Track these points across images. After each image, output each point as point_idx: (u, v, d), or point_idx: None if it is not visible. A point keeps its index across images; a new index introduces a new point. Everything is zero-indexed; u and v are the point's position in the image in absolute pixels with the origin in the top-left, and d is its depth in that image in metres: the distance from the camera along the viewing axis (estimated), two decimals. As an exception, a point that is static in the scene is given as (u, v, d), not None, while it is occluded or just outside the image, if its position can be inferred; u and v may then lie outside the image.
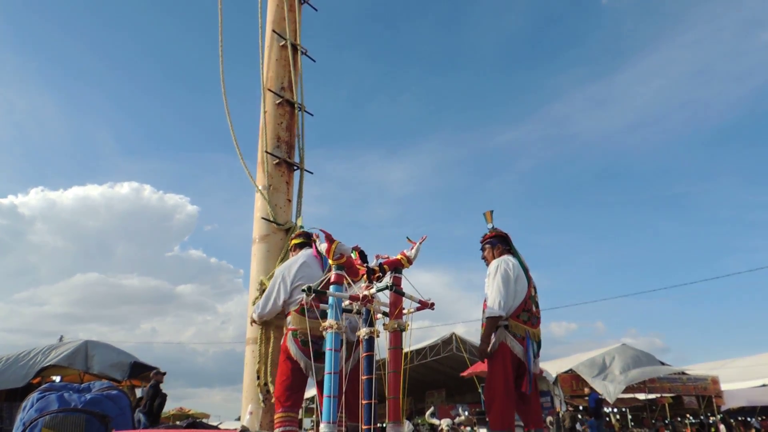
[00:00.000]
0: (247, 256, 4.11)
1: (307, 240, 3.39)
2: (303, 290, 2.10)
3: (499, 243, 3.39)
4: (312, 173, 4.51)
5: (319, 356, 2.89)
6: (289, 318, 3.08)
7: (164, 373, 9.07)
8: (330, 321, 2.24)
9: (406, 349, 2.29)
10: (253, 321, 3.42)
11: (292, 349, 2.99)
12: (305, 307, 2.24)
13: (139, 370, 9.82)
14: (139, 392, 9.85)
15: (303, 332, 2.94)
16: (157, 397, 8.47)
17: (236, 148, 4.24)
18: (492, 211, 3.49)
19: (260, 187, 4.24)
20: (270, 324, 3.59)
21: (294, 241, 3.48)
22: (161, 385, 8.73)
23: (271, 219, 4.07)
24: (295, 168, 4.45)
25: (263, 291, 3.57)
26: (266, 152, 4.28)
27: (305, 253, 3.27)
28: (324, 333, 2.20)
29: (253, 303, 3.64)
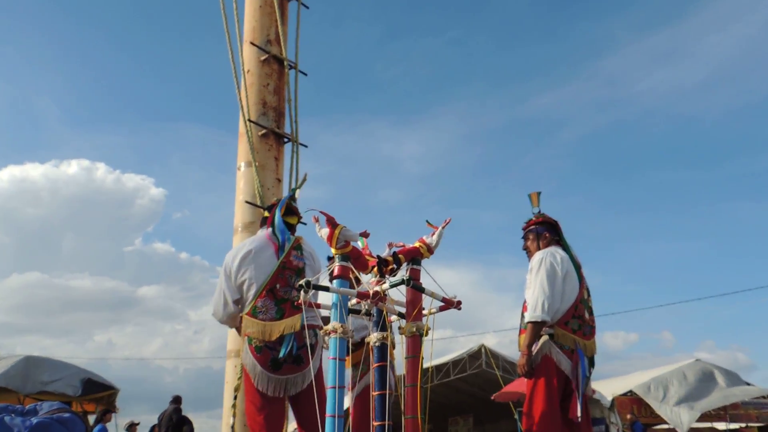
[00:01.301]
0: (228, 250, 4.18)
1: (276, 215, 3.22)
2: (300, 285, 2.14)
3: (546, 231, 3.41)
4: (306, 146, 4.56)
5: (278, 366, 2.89)
6: (242, 322, 3.07)
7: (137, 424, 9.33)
8: (334, 324, 2.29)
9: (426, 363, 2.33)
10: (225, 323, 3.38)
11: (246, 359, 2.98)
12: (302, 306, 2.27)
13: (94, 389, 9.90)
14: (92, 419, 9.96)
15: (257, 337, 2.93)
16: (185, 425, 8.66)
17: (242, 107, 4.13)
18: (539, 193, 3.51)
19: (242, 164, 4.28)
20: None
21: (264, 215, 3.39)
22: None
23: (257, 203, 4.12)
24: (286, 140, 4.49)
25: None
26: (249, 121, 4.32)
27: (257, 237, 3.20)
28: (326, 339, 2.23)
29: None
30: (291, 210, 3.29)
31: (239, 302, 3.09)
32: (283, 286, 2.93)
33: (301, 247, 3.11)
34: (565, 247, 3.40)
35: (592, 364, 3.23)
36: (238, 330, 3.19)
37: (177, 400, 9.25)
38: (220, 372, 3.91)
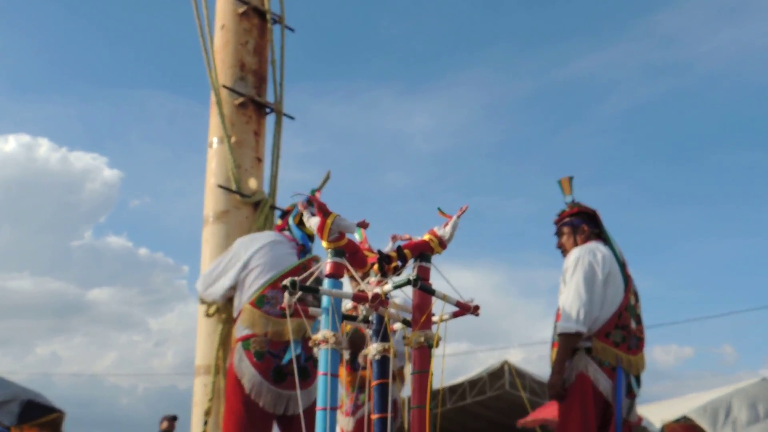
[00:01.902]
0: (196, 245, 4.22)
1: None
2: (284, 285, 2.15)
3: (583, 223, 3.42)
4: (293, 119, 4.56)
5: (282, 377, 2.92)
6: (238, 321, 3.10)
7: (175, 418, 9.46)
8: (324, 332, 2.25)
9: (437, 382, 2.31)
10: (203, 301, 3.58)
11: (242, 368, 3.01)
12: (287, 312, 2.28)
13: (35, 413, 9.97)
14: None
15: (259, 339, 2.96)
16: None
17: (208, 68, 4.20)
18: (571, 178, 3.51)
19: (215, 141, 4.27)
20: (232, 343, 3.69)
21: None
22: None
23: (233, 188, 4.12)
24: (268, 111, 4.50)
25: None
26: (223, 87, 4.32)
27: (272, 233, 3.38)
28: (316, 349, 2.21)
29: (208, 315, 3.75)
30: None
31: (229, 291, 3.25)
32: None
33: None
34: (608, 242, 3.39)
35: (638, 383, 3.22)
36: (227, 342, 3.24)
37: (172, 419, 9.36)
38: (187, 392, 4.01)
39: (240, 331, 3.15)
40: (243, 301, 3.18)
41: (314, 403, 2.88)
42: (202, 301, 3.58)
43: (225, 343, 3.72)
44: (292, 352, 2.86)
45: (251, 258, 3.25)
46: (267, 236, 3.36)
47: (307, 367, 2.87)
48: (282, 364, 2.94)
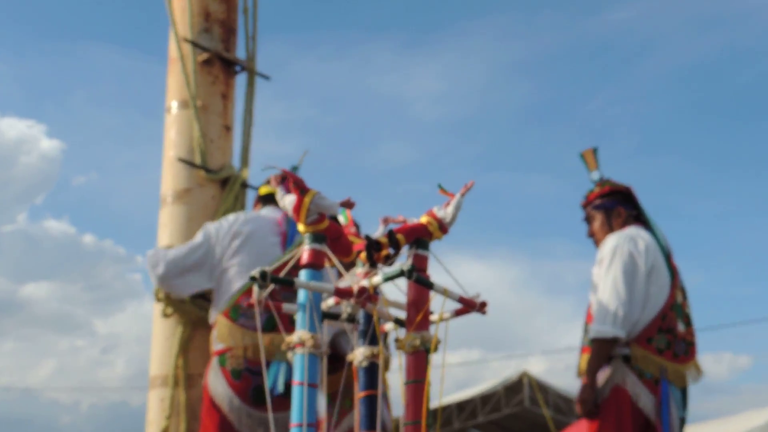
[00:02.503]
0: (152, 231, 4.27)
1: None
2: (252, 278, 2.17)
3: (619, 205, 3.42)
4: (269, 78, 4.56)
5: (263, 398, 3.02)
6: (213, 331, 3.19)
7: None
8: (300, 333, 2.24)
9: (438, 394, 2.31)
10: (161, 293, 3.62)
11: (217, 388, 3.10)
12: (257, 309, 2.30)
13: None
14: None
15: (236, 355, 3.03)
16: None
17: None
18: (596, 150, 3.51)
19: (174, 105, 4.27)
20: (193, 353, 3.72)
21: (262, 190, 3.57)
22: None
23: (197, 162, 4.15)
24: (239, 69, 4.50)
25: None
26: (186, 41, 4.30)
27: (255, 216, 3.39)
28: (289, 354, 2.19)
29: (165, 315, 3.78)
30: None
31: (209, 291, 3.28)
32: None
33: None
34: (651, 228, 3.40)
35: (684, 400, 3.25)
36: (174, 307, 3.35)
37: None
38: (139, 409, 4.09)
39: (215, 344, 3.19)
40: (217, 310, 3.20)
41: None
42: (159, 294, 3.58)
43: (185, 349, 3.74)
44: (275, 376, 2.88)
45: (224, 253, 3.26)
46: (241, 222, 3.35)
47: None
48: (262, 386, 2.96)
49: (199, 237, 3.44)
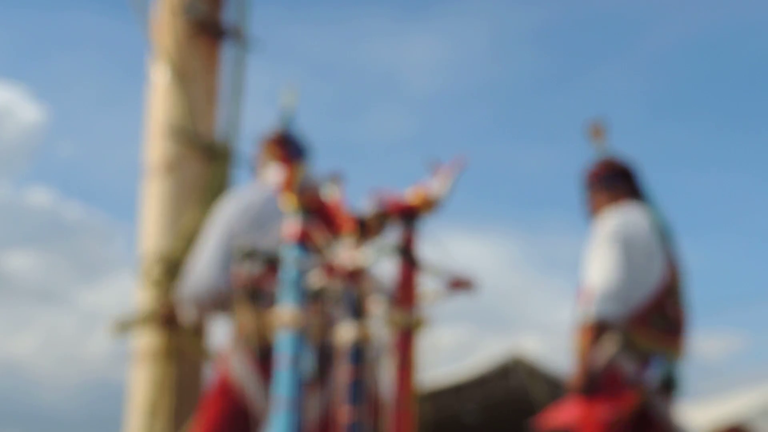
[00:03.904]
0: (135, 205, 4.18)
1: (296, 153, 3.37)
2: (240, 253, 2.20)
3: (617, 183, 3.47)
4: (260, 48, 4.53)
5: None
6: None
7: None
8: (287, 310, 2.31)
9: (429, 376, 2.36)
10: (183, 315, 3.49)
11: (240, 371, 3.09)
12: (246, 289, 2.34)
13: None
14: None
15: (259, 336, 3.01)
16: None
17: None
18: (601, 122, 3.53)
19: (158, 74, 4.25)
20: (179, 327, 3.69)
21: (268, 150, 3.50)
22: None
23: (183, 133, 4.09)
24: (228, 34, 4.45)
25: (169, 277, 3.72)
26: (171, 4, 4.29)
27: (260, 186, 3.36)
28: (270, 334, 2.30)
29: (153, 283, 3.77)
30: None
31: (226, 286, 3.18)
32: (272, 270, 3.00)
33: None
34: (649, 206, 3.43)
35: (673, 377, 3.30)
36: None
37: None
38: (121, 385, 4.03)
39: (238, 324, 3.14)
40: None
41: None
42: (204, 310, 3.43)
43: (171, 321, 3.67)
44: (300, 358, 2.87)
45: (235, 229, 3.16)
46: (248, 198, 3.27)
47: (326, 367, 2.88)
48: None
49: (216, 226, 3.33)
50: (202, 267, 3.27)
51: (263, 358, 2.97)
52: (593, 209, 3.49)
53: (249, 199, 3.35)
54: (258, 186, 3.50)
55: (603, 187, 3.47)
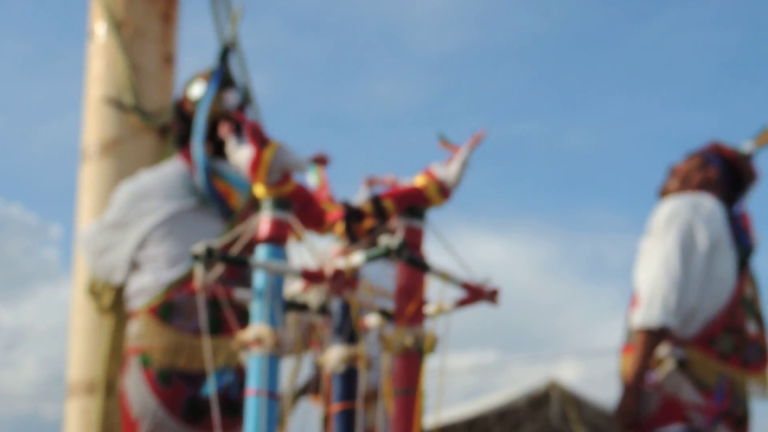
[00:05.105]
0: (71, 194, 4.02)
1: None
2: (195, 257, 1.97)
3: (716, 166, 3.22)
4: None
5: (198, 414, 2.88)
6: (134, 326, 3.05)
7: None
8: (258, 329, 2.09)
9: (432, 416, 2.15)
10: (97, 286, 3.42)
11: (138, 395, 2.95)
12: (202, 294, 2.08)
13: None
14: None
15: (162, 356, 2.90)
16: None
17: None
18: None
19: (99, 29, 4.01)
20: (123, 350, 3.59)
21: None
22: None
23: (129, 103, 3.90)
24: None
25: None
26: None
27: (168, 170, 3.23)
28: (244, 353, 2.09)
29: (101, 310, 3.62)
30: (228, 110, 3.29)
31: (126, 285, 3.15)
32: (231, 276, 2.76)
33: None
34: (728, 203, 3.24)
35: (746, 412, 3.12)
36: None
37: None
38: (56, 423, 3.96)
39: (135, 338, 3.01)
40: (137, 303, 3.08)
41: None
42: (95, 288, 3.34)
43: (117, 346, 3.50)
44: (222, 380, 2.83)
45: (147, 238, 3.08)
46: (172, 180, 3.08)
47: (240, 400, 2.71)
48: (200, 395, 2.83)
49: (115, 208, 3.32)
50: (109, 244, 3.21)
51: (168, 382, 2.92)
52: (668, 189, 3.30)
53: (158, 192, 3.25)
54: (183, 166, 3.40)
55: (695, 164, 3.25)
